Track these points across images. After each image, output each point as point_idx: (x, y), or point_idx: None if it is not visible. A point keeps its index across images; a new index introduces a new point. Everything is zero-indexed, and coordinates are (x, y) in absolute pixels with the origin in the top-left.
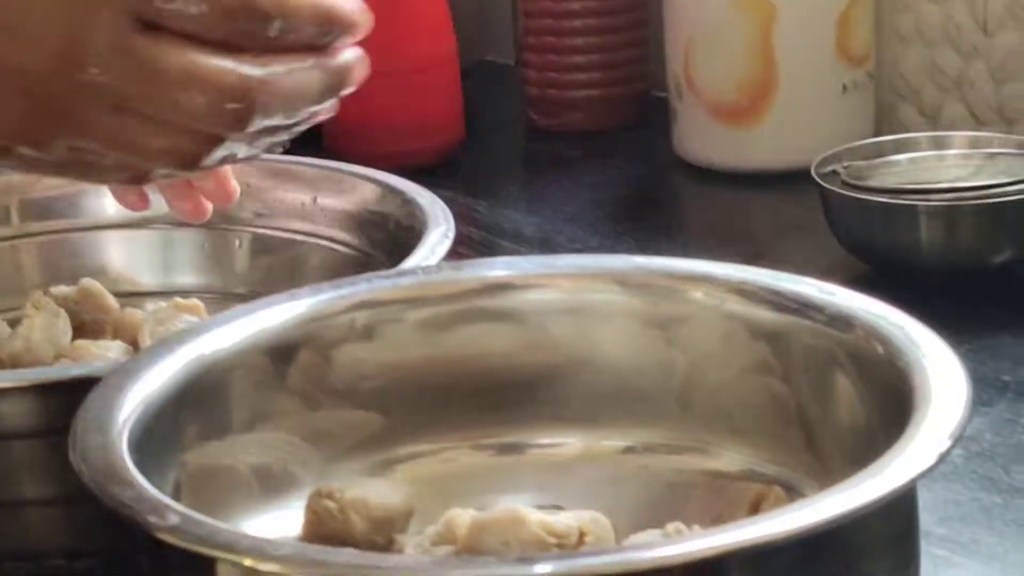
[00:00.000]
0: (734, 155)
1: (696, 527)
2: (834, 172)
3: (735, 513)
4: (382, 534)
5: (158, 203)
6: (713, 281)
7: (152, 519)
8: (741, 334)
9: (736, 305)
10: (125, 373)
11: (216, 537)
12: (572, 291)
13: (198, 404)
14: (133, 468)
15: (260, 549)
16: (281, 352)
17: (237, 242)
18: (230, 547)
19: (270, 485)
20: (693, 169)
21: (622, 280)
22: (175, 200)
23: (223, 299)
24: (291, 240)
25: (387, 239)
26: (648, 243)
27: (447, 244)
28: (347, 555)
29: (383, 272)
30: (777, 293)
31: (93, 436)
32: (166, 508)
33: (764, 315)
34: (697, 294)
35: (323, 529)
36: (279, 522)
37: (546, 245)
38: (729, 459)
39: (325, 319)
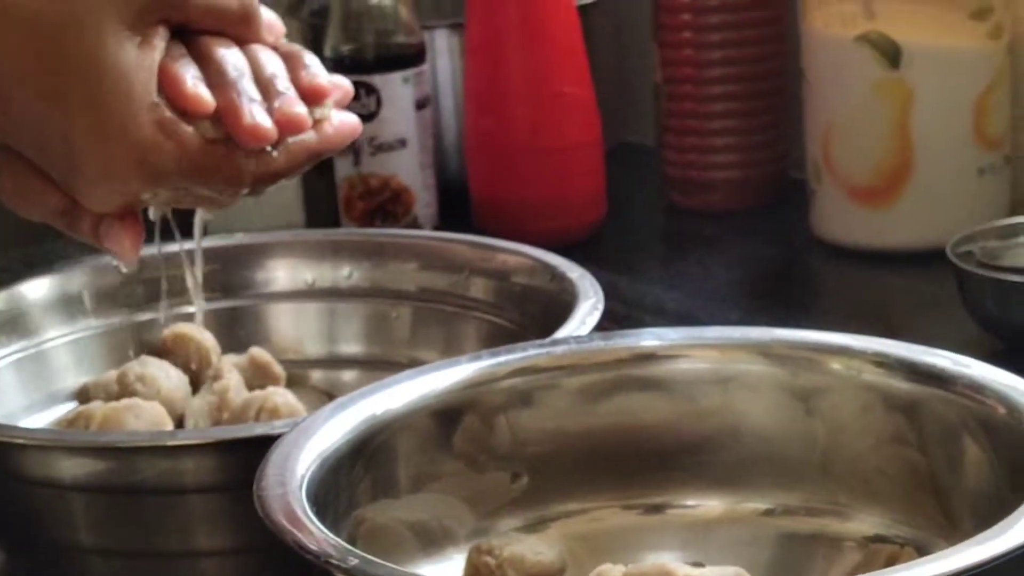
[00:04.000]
0: (871, 235)
1: None
2: (969, 252)
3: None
4: None
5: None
6: (851, 353)
7: (334, 560)
8: (878, 405)
9: (873, 376)
10: (302, 430)
11: None
12: (718, 361)
13: (370, 462)
14: (313, 516)
15: None
16: (446, 415)
17: (395, 314)
18: None
19: (429, 539)
20: (830, 248)
21: (765, 351)
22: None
23: (385, 367)
24: (447, 312)
25: (539, 311)
26: (786, 319)
27: (597, 316)
28: None
29: (538, 341)
30: (912, 365)
31: (275, 488)
32: (346, 552)
33: (900, 386)
34: (836, 365)
35: None
36: (438, 574)
37: (686, 320)
38: (865, 521)
39: (486, 384)
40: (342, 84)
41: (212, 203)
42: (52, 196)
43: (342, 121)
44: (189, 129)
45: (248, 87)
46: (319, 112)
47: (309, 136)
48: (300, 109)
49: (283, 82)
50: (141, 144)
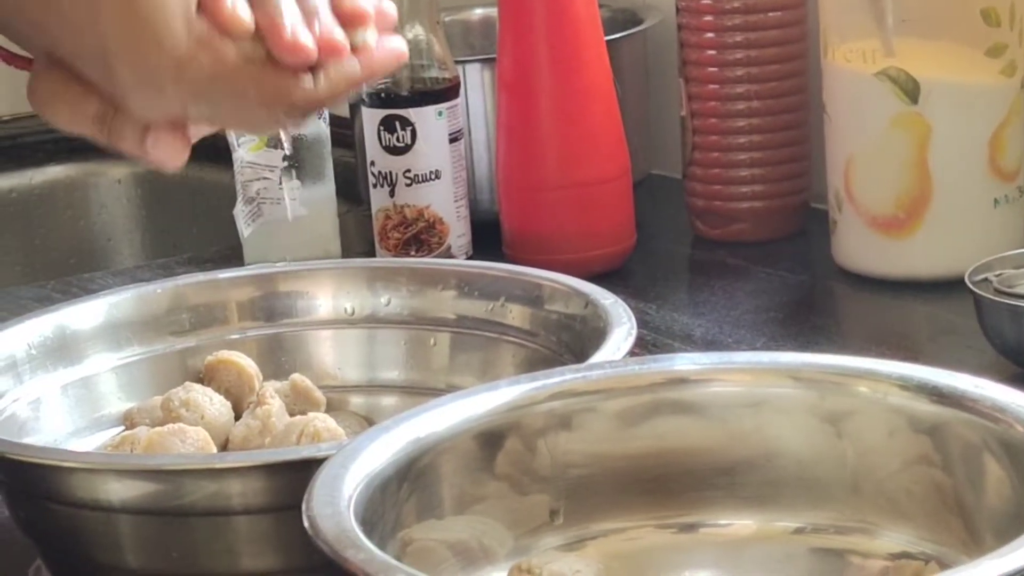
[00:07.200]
0: (891, 264)
1: None
2: (986, 280)
3: None
4: None
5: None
6: (877, 377)
7: None
8: (904, 427)
9: (898, 399)
10: (349, 452)
11: None
12: (750, 385)
13: (415, 483)
14: (362, 535)
15: None
16: (488, 438)
17: (432, 341)
18: None
19: (469, 558)
20: (852, 277)
21: (795, 375)
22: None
23: (423, 392)
24: (484, 338)
25: (574, 337)
26: (810, 345)
27: (631, 341)
28: None
29: (575, 366)
30: (935, 388)
31: (324, 507)
32: (396, 569)
33: (924, 408)
34: (863, 389)
35: None
36: None
37: (713, 346)
38: (891, 539)
39: (526, 408)
40: (386, 10)
41: (256, 126)
42: (91, 103)
43: (384, 48)
44: (227, 45)
45: (290, 6)
46: (359, 37)
47: (350, 64)
48: (339, 34)
49: (324, 7)
50: (176, 56)
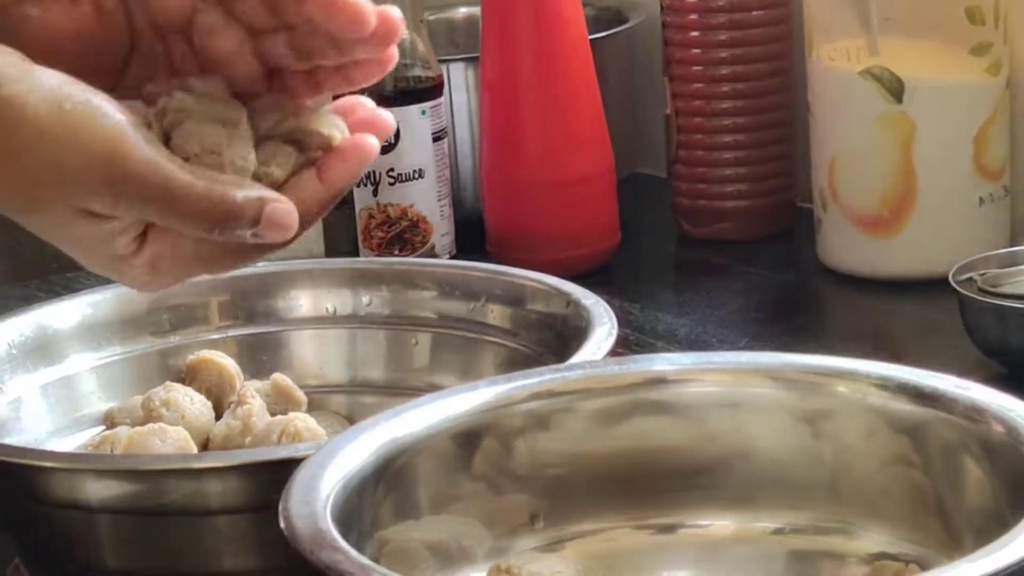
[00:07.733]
0: (876, 263)
1: None
2: (971, 279)
3: None
4: None
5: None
6: (856, 377)
7: None
8: (883, 428)
9: (877, 399)
10: (326, 453)
11: None
12: (728, 385)
13: (392, 483)
14: (338, 535)
15: None
16: (466, 438)
17: (414, 340)
18: None
19: (448, 559)
20: (836, 276)
21: (774, 376)
22: None
23: (404, 392)
24: (465, 338)
25: (554, 337)
26: (794, 345)
27: (611, 341)
28: None
29: (553, 366)
30: (915, 388)
31: (300, 507)
32: (371, 570)
33: (903, 409)
34: (842, 389)
35: None
36: None
37: (697, 346)
38: (870, 539)
39: (504, 408)
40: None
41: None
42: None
43: (350, 149)
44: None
45: None
46: (332, 130)
47: (312, 187)
48: (395, 11)
49: None
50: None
